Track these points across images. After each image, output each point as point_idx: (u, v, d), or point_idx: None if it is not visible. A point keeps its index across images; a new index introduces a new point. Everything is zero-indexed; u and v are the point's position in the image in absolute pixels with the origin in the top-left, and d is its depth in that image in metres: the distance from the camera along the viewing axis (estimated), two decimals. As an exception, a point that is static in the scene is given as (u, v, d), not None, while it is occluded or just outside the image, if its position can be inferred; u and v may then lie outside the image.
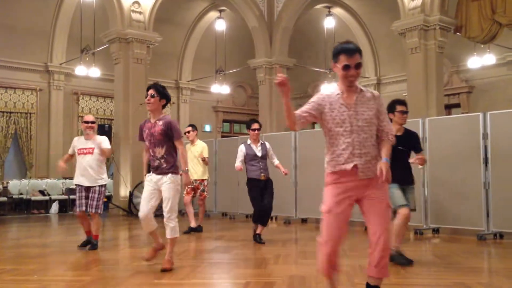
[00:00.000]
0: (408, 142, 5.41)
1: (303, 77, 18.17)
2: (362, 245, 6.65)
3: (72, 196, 13.56)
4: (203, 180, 8.49)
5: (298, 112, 3.23)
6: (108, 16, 13.18)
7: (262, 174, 7.10)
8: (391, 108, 5.46)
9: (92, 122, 6.64)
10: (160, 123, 4.98)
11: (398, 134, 5.24)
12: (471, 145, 7.58)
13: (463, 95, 15.07)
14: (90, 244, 6.47)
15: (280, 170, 7.16)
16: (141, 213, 5.02)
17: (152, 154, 5.01)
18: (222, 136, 17.69)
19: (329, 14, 16.57)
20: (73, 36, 14.90)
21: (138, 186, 12.51)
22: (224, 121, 19.05)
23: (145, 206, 4.98)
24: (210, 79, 16.99)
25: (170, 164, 4.96)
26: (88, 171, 6.46)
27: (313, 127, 18.91)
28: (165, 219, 4.94)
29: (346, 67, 3.13)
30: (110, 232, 9.43)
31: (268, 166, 7.29)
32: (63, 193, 13.70)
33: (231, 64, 17.03)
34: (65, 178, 14.37)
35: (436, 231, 8.06)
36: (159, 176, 4.95)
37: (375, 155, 3.18)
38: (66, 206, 13.54)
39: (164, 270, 4.83)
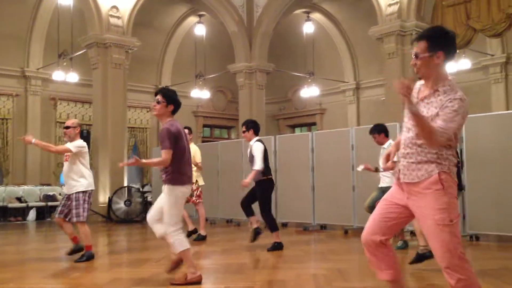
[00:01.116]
0: None
1: (282, 82, 18.26)
2: (341, 248, 6.72)
3: (50, 203, 13.37)
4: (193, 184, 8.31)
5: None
6: (86, 21, 13.07)
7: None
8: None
9: (66, 128, 6.14)
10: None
11: None
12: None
13: (439, 99, 15.30)
14: (78, 250, 6.10)
15: (246, 179, 6.89)
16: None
17: None
18: (203, 141, 17.64)
19: (308, 19, 16.71)
20: (50, 41, 14.72)
21: (117, 192, 12.41)
22: (205, 126, 19.01)
23: (151, 210, 4.72)
24: (190, 84, 16.95)
25: (168, 173, 4.51)
26: (66, 178, 6.18)
27: (294, 132, 19.00)
28: (161, 236, 4.56)
29: (415, 55, 2.84)
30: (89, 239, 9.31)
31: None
32: (40, 200, 13.48)
33: (211, 69, 17.02)
34: (42, 185, 14.17)
35: (413, 233, 8.16)
36: (164, 186, 4.60)
37: (427, 160, 2.73)
38: (43, 213, 13.33)
39: (171, 283, 4.49)
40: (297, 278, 4.77)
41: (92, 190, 6.15)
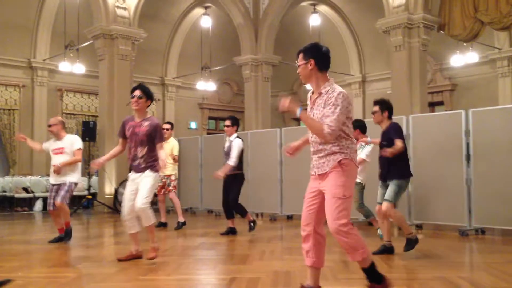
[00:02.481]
0: (387, 137, 5.59)
1: (288, 74, 18.20)
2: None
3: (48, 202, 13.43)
4: (169, 176, 8.62)
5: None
6: (92, 12, 13.08)
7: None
8: None
9: (49, 126, 6.81)
10: (146, 123, 5.09)
11: (382, 131, 5.70)
12: (454, 142, 7.69)
13: (446, 92, 15.26)
14: (62, 240, 6.69)
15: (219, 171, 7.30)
16: (122, 214, 5.15)
17: (133, 153, 5.11)
18: (208, 133, 17.67)
19: (315, 11, 16.64)
20: (56, 32, 14.74)
21: (123, 183, 12.46)
22: (210, 118, 19.02)
23: (126, 206, 5.08)
24: (196, 76, 16.95)
25: (150, 162, 5.08)
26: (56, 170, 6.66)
27: (299, 124, 19.00)
28: (137, 208, 4.95)
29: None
30: (95, 229, 9.39)
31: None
32: (47, 191, 13.55)
33: (217, 61, 17.00)
34: (49, 176, 14.24)
35: (419, 227, 8.18)
36: (138, 174, 5.07)
37: (331, 152, 3.34)
38: (50, 203, 13.40)
39: (151, 259, 4.99)
40: (302, 270, 4.77)
41: (77, 184, 6.86)
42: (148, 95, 5.15)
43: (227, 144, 7.53)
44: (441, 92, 15.32)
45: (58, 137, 6.80)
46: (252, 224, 7.58)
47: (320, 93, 3.39)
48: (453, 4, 11.51)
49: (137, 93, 5.11)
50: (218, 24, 17.06)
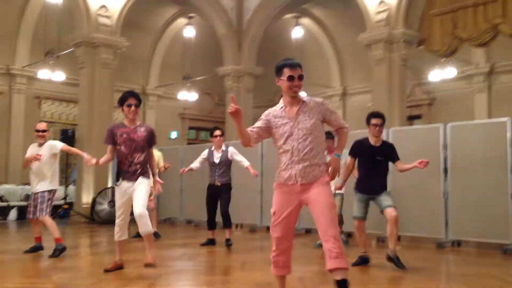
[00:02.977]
0: (385, 153, 5.57)
1: (270, 86, 18.17)
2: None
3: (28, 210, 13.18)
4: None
5: (249, 129, 3.55)
6: (74, 20, 12.97)
7: (217, 181, 7.39)
8: (367, 120, 5.69)
9: (43, 131, 6.50)
10: (142, 129, 5.11)
11: (377, 145, 5.65)
12: (432, 155, 7.77)
13: (424, 106, 15.52)
14: (38, 250, 6.46)
15: (250, 172, 7.35)
16: (116, 222, 5.11)
17: (129, 159, 5.01)
18: (188, 143, 17.58)
19: (297, 24, 16.80)
20: (37, 39, 14.56)
21: (101, 193, 12.30)
22: (190, 128, 18.95)
23: (119, 215, 5.05)
24: (177, 86, 16.90)
25: (145, 169, 5.08)
26: (34, 178, 6.42)
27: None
28: (138, 214, 4.83)
29: (290, 78, 3.45)
30: (71, 239, 9.22)
31: (235, 173, 7.36)
32: (22, 199, 13.29)
33: (199, 71, 16.99)
34: (24, 184, 13.97)
35: (397, 239, 8.24)
36: (130, 184, 4.97)
37: (318, 161, 3.44)
38: (25, 212, 13.07)
39: (148, 264, 4.90)
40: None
41: (55, 190, 6.56)
42: (140, 103, 5.20)
43: (218, 154, 7.46)
44: (419, 106, 15.57)
45: (41, 144, 6.51)
46: (229, 241, 7.40)
47: (303, 102, 3.51)
48: (433, 21, 11.75)
49: (133, 101, 5.07)
50: (201, 34, 17.08)
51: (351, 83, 17.19)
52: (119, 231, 5.07)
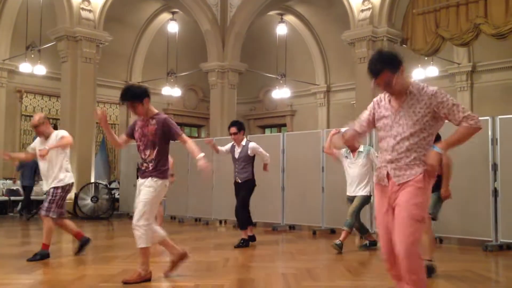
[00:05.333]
0: None
1: (254, 82, 18.30)
2: (309, 249, 6.80)
3: (12, 198, 13.02)
4: None
5: (357, 120, 3.23)
6: (56, 13, 12.79)
7: (237, 177, 7.08)
8: None
9: (35, 126, 5.82)
10: (153, 122, 4.51)
11: None
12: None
13: (407, 104, 15.65)
14: (85, 244, 6.08)
15: (264, 167, 7.13)
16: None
17: (142, 156, 4.55)
18: (172, 139, 17.50)
19: (282, 21, 16.81)
20: (18, 32, 14.32)
21: (83, 188, 12.19)
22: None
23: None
24: (161, 81, 16.80)
25: (157, 167, 4.47)
26: (44, 175, 5.88)
27: (263, 132, 19.07)
28: (133, 224, 4.44)
29: (377, 84, 3.02)
30: (53, 235, 9.10)
31: (255, 168, 7.10)
32: (3, 194, 13.11)
33: (183, 67, 16.91)
34: (6, 179, 13.78)
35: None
36: (143, 180, 4.50)
37: (412, 161, 2.91)
38: (6, 207, 12.97)
39: (124, 282, 4.37)
40: (266, 277, 4.80)
41: (69, 185, 5.92)
42: (139, 97, 4.49)
43: (238, 149, 7.05)
44: (402, 104, 15.70)
45: (46, 136, 5.85)
46: (243, 242, 6.98)
47: (411, 92, 2.95)
48: (416, 20, 11.88)
49: (129, 105, 4.54)
50: (185, 30, 16.99)
51: (335, 80, 17.28)
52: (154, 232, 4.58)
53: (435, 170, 2.90)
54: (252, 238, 7.13)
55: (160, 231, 4.69)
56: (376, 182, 3.10)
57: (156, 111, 4.63)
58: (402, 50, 12.83)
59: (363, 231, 6.98)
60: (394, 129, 2.96)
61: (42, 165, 5.84)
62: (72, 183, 5.98)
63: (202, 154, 4.44)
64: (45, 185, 5.87)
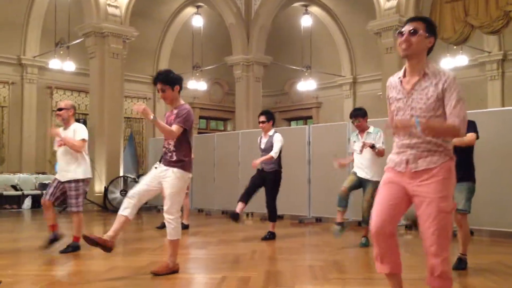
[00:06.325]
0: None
1: (280, 75, 18.26)
2: (336, 241, 6.78)
3: (44, 191, 13.36)
4: None
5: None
6: (83, 9, 13.01)
7: (263, 167, 7.02)
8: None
9: (59, 109, 5.86)
10: (175, 111, 4.56)
11: None
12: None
13: (436, 95, 15.37)
14: (55, 241, 5.79)
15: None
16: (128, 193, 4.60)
17: (165, 145, 4.59)
18: (199, 133, 17.65)
19: (306, 12, 16.69)
20: (47, 29, 14.63)
21: (113, 181, 12.42)
22: (201, 117, 19.01)
23: (134, 188, 4.57)
24: (187, 75, 16.90)
25: (180, 158, 4.50)
26: (60, 165, 5.84)
27: (289, 124, 19.02)
28: (165, 219, 4.51)
29: (400, 33, 2.81)
30: (85, 227, 9.32)
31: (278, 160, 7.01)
32: (36, 188, 13.47)
33: (208, 61, 16.99)
34: (38, 173, 14.14)
35: (408, 227, 8.25)
36: (165, 168, 4.49)
37: (434, 148, 2.74)
38: (39, 201, 13.29)
39: (153, 273, 4.44)
40: (293, 269, 4.81)
41: (89, 178, 5.95)
42: (171, 82, 4.52)
43: (264, 140, 7.07)
44: (430, 94, 15.43)
45: (66, 126, 5.87)
46: (271, 235, 7.03)
47: (425, 74, 2.76)
48: (444, 8, 11.62)
49: (159, 86, 4.54)
50: (210, 23, 17.05)
51: (362, 71, 17.09)
52: (124, 204, 4.47)
53: (394, 132, 2.74)
54: (273, 235, 7.05)
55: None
56: (391, 166, 2.88)
57: (182, 102, 4.65)
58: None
59: (342, 203, 6.34)
60: (407, 113, 2.78)
61: (60, 157, 5.81)
62: (89, 178, 5.96)
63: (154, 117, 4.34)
64: (62, 177, 5.80)
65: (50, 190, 5.85)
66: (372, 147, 6.08)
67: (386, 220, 2.80)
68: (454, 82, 2.72)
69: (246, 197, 7.01)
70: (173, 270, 4.56)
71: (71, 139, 5.70)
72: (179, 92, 4.62)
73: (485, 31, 11.43)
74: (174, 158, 4.50)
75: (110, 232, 4.41)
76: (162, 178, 4.49)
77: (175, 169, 4.47)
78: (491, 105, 13.47)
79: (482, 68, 14.39)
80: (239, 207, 6.92)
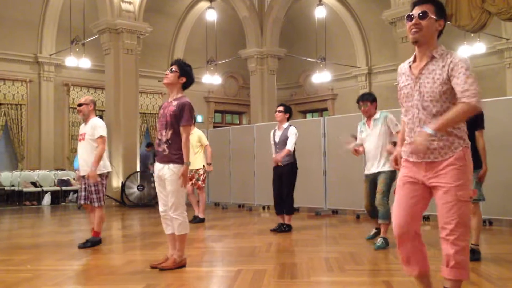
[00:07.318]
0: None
1: (294, 67, 18.19)
2: (352, 233, 6.75)
3: (64, 188, 13.57)
4: (198, 170, 8.36)
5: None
6: (97, 7, 13.10)
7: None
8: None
9: (79, 105, 5.96)
10: (175, 103, 4.45)
11: None
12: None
13: (453, 84, 15.14)
14: (96, 243, 5.88)
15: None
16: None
17: (158, 137, 4.51)
18: (214, 127, 17.70)
19: (320, 3, 16.52)
20: (62, 27, 14.79)
21: (130, 177, 12.53)
22: (216, 111, 19.05)
23: (160, 205, 4.61)
24: (201, 70, 16.95)
25: (175, 151, 4.40)
26: (81, 160, 5.93)
27: (305, 117, 18.95)
28: (170, 215, 4.47)
29: (408, 18, 2.70)
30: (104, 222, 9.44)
31: (297, 152, 7.01)
32: (55, 185, 13.67)
33: (222, 55, 16.99)
34: (57, 170, 14.35)
35: (427, 218, 8.16)
36: (161, 166, 4.45)
37: (447, 136, 2.65)
38: (58, 197, 13.53)
39: (160, 268, 4.44)
40: (309, 261, 4.80)
41: (108, 172, 6.01)
42: (182, 71, 4.49)
43: (279, 133, 7.01)
44: (448, 83, 15.21)
45: (86, 120, 5.92)
46: (287, 227, 7.05)
47: (433, 57, 2.69)
48: (460, -5, 11.41)
49: (172, 67, 4.50)
50: (223, 17, 17.03)
51: (377, 62, 16.93)
52: (163, 223, 4.61)
53: (419, 152, 2.66)
54: (289, 227, 7.08)
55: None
56: (405, 157, 2.80)
57: (182, 94, 4.57)
58: (446, 27, 12.41)
59: (373, 214, 5.94)
60: (415, 99, 2.70)
61: (81, 151, 5.90)
62: (109, 171, 6.05)
63: (188, 162, 4.40)
64: (83, 171, 5.88)
65: (83, 194, 5.96)
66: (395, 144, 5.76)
67: (408, 220, 2.71)
68: (461, 61, 2.61)
69: (281, 207, 7.10)
70: (181, 265, 4.55)
71: (94, 163, 5.73)
72: (182, 85, 4.55)
73: (503, 18, 11.20)
74: (167, 151, 4.41)
75: (170, 251, 4.62)
76: (162, 177, 4.48)
77: (171, 165, 4.40)
78: (510, 92, 13.24)
79: (500, 56, 14.14)
80: (280, 221, 7.12)
